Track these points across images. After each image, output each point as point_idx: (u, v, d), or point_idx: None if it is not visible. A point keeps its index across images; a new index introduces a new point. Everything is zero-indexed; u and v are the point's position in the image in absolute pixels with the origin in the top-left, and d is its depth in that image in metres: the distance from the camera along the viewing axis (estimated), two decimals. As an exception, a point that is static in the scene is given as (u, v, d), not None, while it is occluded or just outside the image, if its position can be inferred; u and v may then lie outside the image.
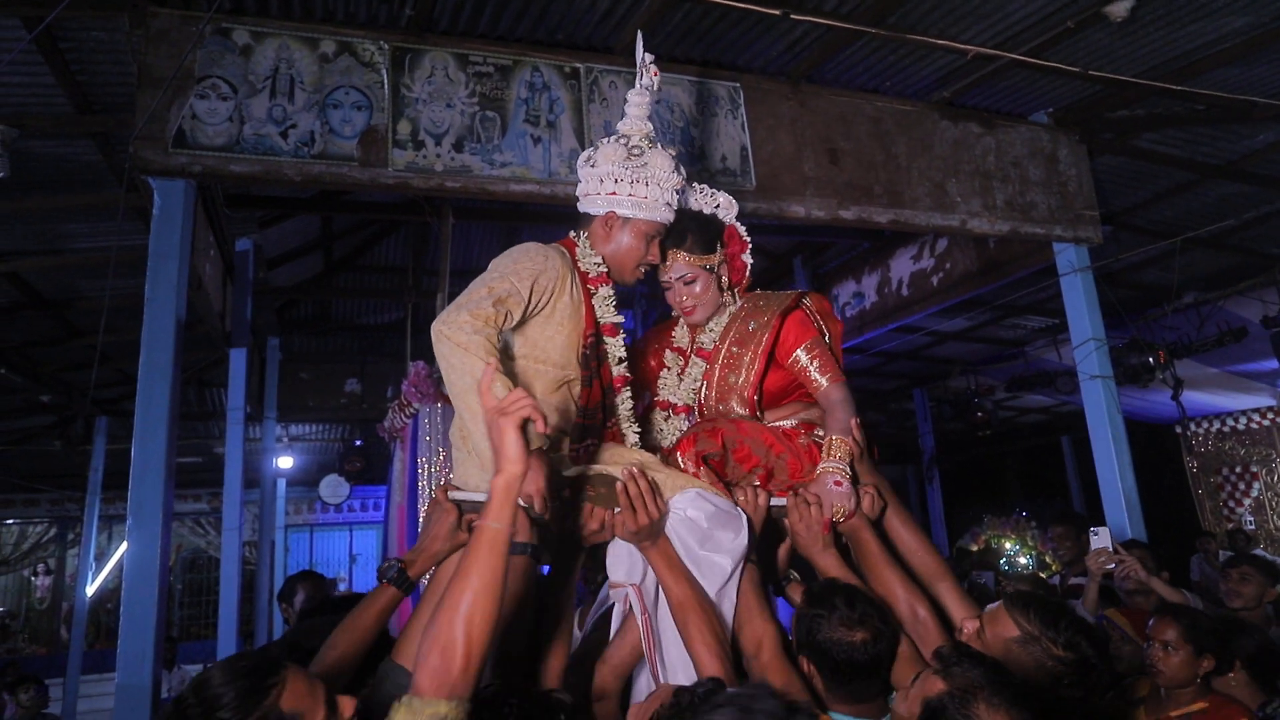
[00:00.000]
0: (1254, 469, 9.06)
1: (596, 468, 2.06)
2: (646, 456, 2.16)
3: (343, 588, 12.34)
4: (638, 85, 2.31)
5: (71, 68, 3.60)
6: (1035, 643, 1.78)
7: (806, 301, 2.46)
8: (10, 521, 12.63)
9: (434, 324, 1.94)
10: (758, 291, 2.54)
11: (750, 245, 2.47)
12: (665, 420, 2.44)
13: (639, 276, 2.31)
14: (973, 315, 7.89)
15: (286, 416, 8.82)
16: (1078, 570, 4.20)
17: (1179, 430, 9.38)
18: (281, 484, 10.96)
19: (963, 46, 3.74)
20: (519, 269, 2.04)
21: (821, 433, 2.32)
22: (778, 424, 2.40)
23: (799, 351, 2.37)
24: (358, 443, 10.60)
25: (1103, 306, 4.76)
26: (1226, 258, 6.62)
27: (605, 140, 2.26)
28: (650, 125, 2.30)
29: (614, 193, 2.20)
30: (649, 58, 2.31)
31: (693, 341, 2.52)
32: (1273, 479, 8.92)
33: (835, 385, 2.33)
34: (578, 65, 3.78)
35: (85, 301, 6.05)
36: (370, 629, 1.87)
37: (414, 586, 1.94)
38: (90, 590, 9.85)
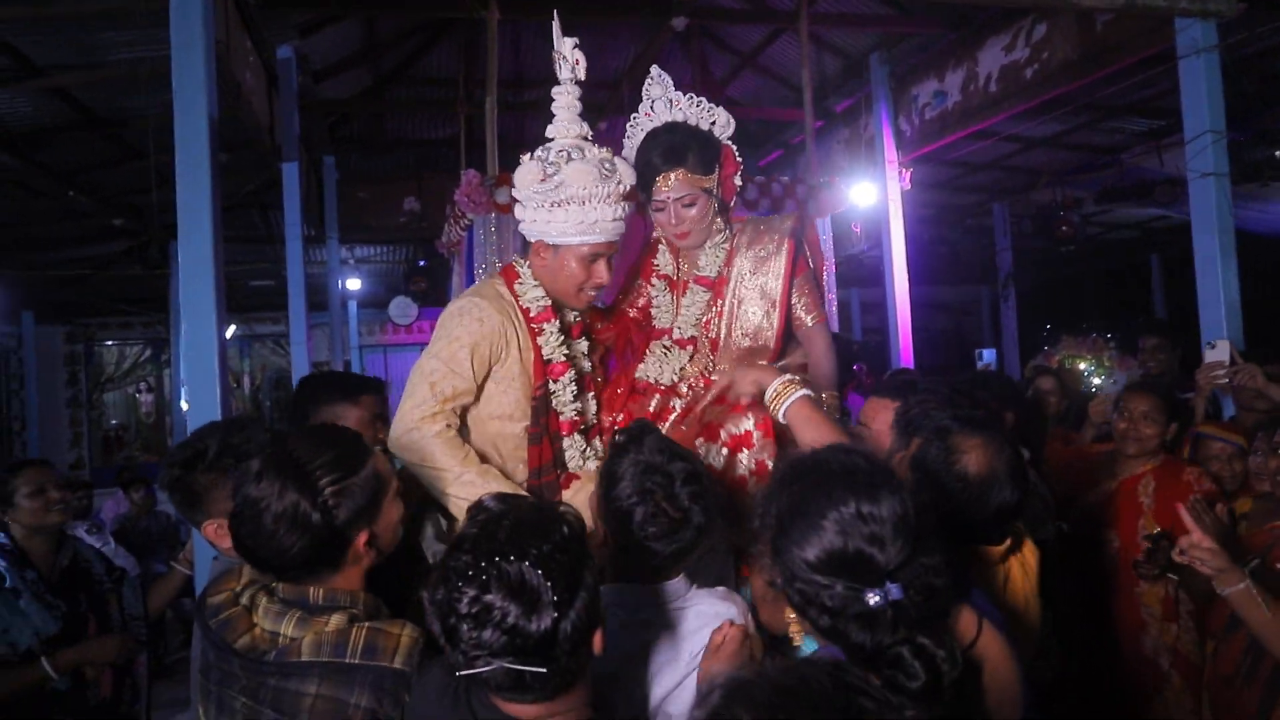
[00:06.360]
0: (1377, 285, 8.37)
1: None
2: None
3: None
4: (562, 80, 2.02)
5: None
6: None
7: (799, 229, 2.32)
8: (109, 343, 13.39)
9: (391, 438, 1.95)
10: (746, 216, 2.42)
11: (742, 166, 2.26)
12: (666, 353, 2.32)
13: (589, 300, 2.11)
14: (1065, 118, 7.16)
15: (348, 238, 8.86)
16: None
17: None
18: (353, 305, 11.22)
19: None
20: (454, 352, 1.96)
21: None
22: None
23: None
24: (421, 263, 10.65)
25: (1227, 100, 4.17)
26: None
27: (526, 156, 1.99)
28: (581, 126, 2.01)
29: (534, 220, 2.00)
30: (570, 42, 1.99)
31: (679, 268, 2.36)
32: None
33: (820, 326, 2.31)
34: None
35: (137, 120, 5.95)
36: None
37: None
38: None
